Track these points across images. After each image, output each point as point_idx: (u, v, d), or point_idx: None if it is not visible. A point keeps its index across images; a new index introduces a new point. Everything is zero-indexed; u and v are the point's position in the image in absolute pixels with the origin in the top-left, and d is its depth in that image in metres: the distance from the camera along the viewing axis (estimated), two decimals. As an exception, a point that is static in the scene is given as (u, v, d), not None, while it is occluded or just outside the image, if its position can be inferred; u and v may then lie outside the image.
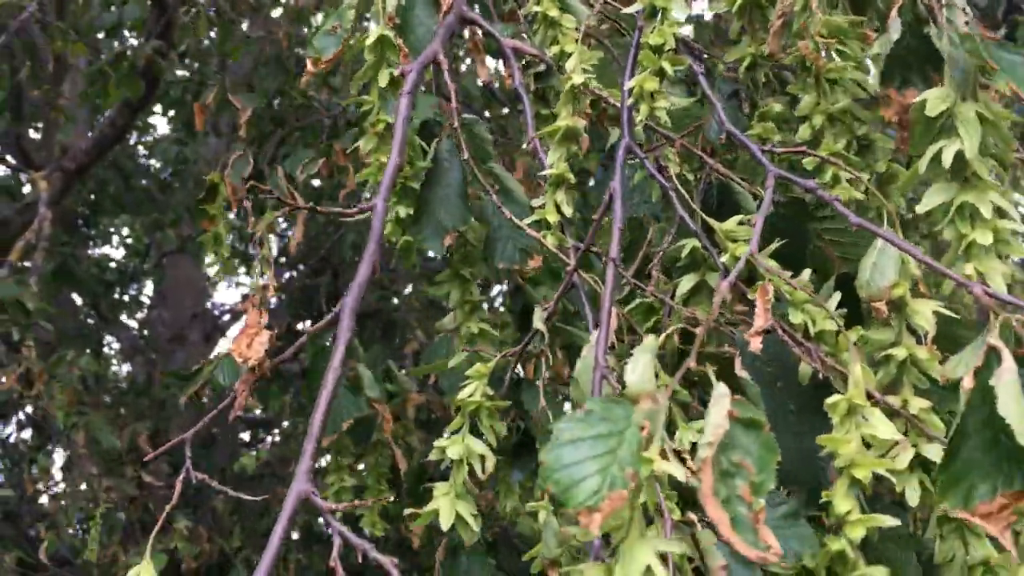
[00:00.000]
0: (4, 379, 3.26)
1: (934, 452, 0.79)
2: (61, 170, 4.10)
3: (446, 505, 0.97)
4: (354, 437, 1.93)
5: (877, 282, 0.83)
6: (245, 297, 1.09)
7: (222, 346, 5.52)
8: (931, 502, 0.85)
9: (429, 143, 1.33)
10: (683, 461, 0.66)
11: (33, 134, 5.38)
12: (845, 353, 0.86)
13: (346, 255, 4.62)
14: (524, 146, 1.17)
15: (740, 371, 0.88)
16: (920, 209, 0.83)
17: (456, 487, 0.98)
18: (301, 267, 5.43)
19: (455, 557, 1.34)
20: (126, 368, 5.56)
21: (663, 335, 0.70)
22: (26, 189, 4.93)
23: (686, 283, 1.02)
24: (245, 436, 5.38)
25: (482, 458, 0.99)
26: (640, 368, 0.68)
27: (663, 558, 0.72)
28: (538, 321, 1.05)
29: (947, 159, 0.83)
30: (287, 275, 5.62)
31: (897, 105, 0.97)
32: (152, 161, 5.91)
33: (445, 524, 0.96)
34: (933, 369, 0.83)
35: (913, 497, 0.78)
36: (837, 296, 0.88)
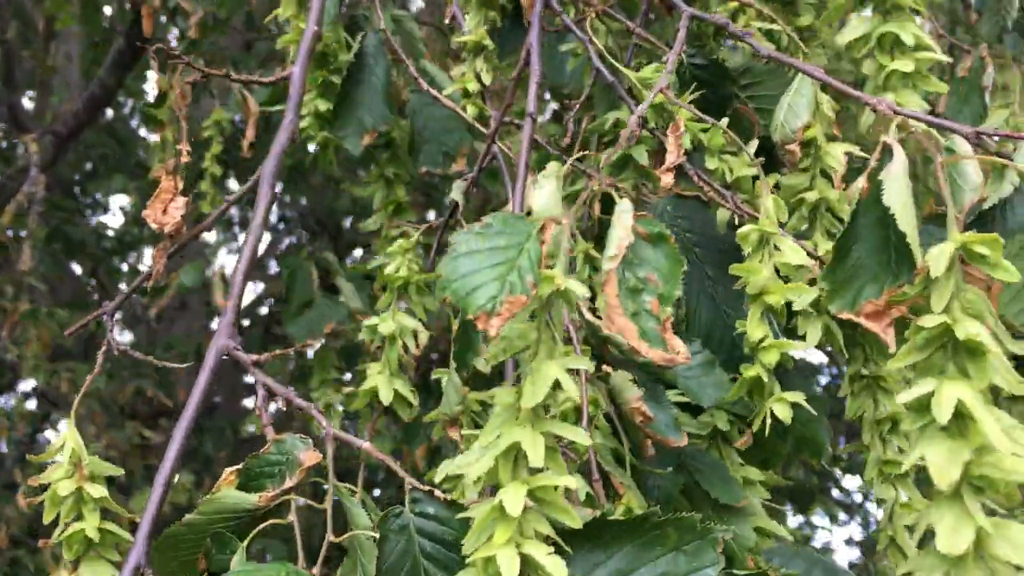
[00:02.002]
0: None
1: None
2: (52, 133, 4.09)
3: (383, 382, 0.96)
4: (343, 356, 1.92)
5: (791, 123, 0.81)
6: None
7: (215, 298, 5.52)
8: (842, 361, 0.84)
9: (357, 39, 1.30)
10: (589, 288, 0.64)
11: (26, 103, 5.38)
12: (760, 199, 0.84)
13: (341, 219, 4.58)
14: (446, 19, 1.14)
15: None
16: (840, 40, 0.81)
17: (390, 364, 0.97)
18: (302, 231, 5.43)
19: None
20: (128, 336, 5.59)
21: (566, 164, 0.69)
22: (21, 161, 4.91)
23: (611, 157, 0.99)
24: (248, 403, 5.41)
25: (415, 334, 0.98)
26: (545, 193, 0.66)
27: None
28: (456, 193, 1.03)
29: (870, -12, 0.80)
30: (286, 242, 5.60)
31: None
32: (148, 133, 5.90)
33: (385, 400, 0.95)
34: (843, 211, 0.82)
35: (814, 337, 0.77)
36: (755, 143, 0.86)
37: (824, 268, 0.65)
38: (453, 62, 1.29)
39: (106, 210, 6.06)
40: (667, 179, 0.75)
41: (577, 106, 0.98)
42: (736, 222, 0.84)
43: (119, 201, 6.14)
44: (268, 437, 0.86)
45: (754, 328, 0.75)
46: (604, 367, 0.80)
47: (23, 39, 4.04)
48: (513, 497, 0.62)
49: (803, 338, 0.78)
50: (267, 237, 5.52)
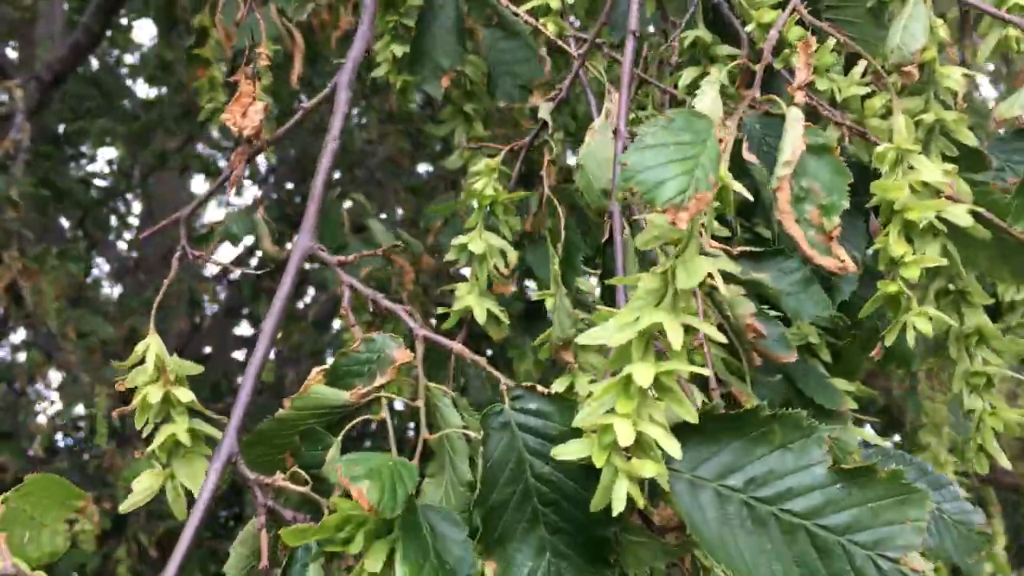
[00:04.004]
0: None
1: (958, 214, 0.78)
2: (36, 79, 3.99)
3: (475, 302, 0.95)
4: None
5: (908, 46, 0.81)
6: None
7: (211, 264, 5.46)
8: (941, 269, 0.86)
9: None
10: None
11: (10, 53, 5.25)
12: (870, 119, 0.85)
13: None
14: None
15: (747, 154, 0.86)
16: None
17: (480, 284, 0.97)
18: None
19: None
20: (117, 290, 5.51)
21: (728, 66, 0.71)
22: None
23: (688, 75, 1.00)
24: (239, 355, 5.37)
25: (503, 253, 0.97)
26: (710, 97, 0.69)
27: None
28: (544, 112, 1.03)
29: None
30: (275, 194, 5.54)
31: None
32: (136, 82, 5.80)
33: (480, 319, 0.95)
34: (961, 133, 0.83)
35: (933, 254, 0.78)
36: (862, 65, 0.86)
37: (1014, 192, 0.68)
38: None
39: (93, 160, 5.95)
40: (799, 97, 0.75)
41: (683, 24, 0.98)
42: (848, 141, 0.85)
43: (106, 153, 6.02)
44: (356, 336, 0.85)
45: (895, 245, 0.76)
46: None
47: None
48: (643, 371, 0.63)
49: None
50: (256, 190, 5.45)
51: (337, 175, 4.65)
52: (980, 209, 0.78)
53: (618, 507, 0.64)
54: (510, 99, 1.23)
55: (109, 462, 3.33)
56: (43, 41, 5.28)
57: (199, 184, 5.92)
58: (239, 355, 5.01)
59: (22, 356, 4.36)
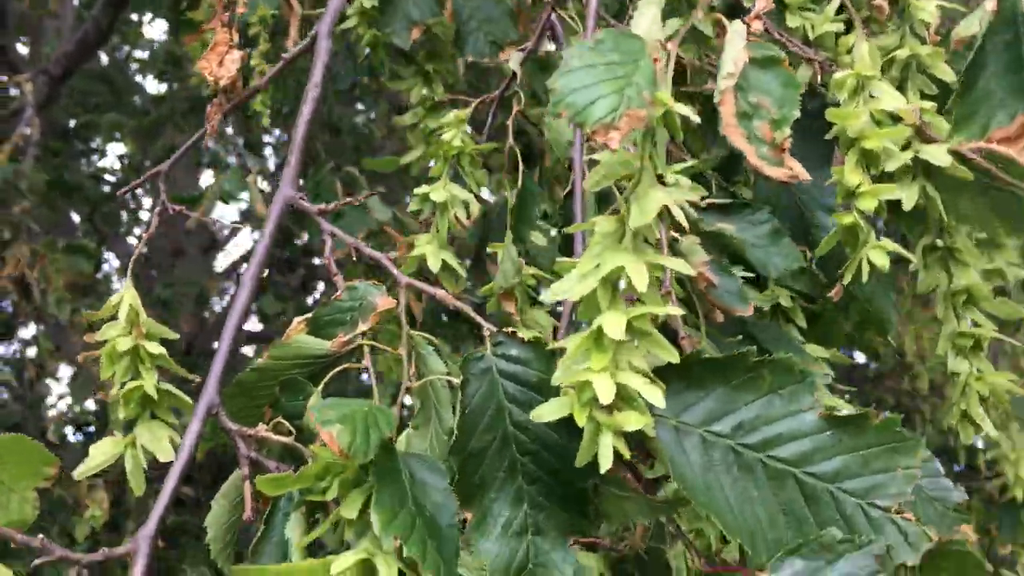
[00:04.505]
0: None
1: (935, 153, 0.75)
2: (45, 73, 4.01)
3: (432, 251, 0.94)
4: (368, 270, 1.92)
5: (880, -22, 0.79)
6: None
7: (220, 261, 5.50)
8: (929, 224, 0.83)
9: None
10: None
11: (21, 49, 5.28)
12: (844, 57, 0.83)
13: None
14: None
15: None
16: None
17: (440, 236, 0.96)
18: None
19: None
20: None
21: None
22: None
23: (671, 26, 0.98)
24: (248, 351, 5.39)
25: (466, 204, 0.96)
26: (647, 18, 0.65)
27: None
28: (514, 63, 1.02)
29: None
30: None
31: None
32: (146, 79, 5.84)
33: (434, 267, 0.94)
34: (937, 68, 0.81)
35: (911, 199, 0.75)
36: (836, 2, 0.85)
37: (952, 99, 0.64)
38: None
39: (103, 155, 5.99)
40: (756, 26, 0.73)
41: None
42: (820, 82, 0.83)
43: (116, 149, 6.05)
44: (338, 285, 0.85)
45: (851, 174, 0.72)
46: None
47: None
48: (613, 321, 0.61)
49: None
50: (265, 185, 5.46)
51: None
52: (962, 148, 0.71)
53: (605, 464, 0.62)
54: (480, 55, 1.21)
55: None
56: (51, 38, 5.31)
57: (209, 179, 5.95)
58: (248, 351, 5.02)
59: (30, 351, 4.39)
